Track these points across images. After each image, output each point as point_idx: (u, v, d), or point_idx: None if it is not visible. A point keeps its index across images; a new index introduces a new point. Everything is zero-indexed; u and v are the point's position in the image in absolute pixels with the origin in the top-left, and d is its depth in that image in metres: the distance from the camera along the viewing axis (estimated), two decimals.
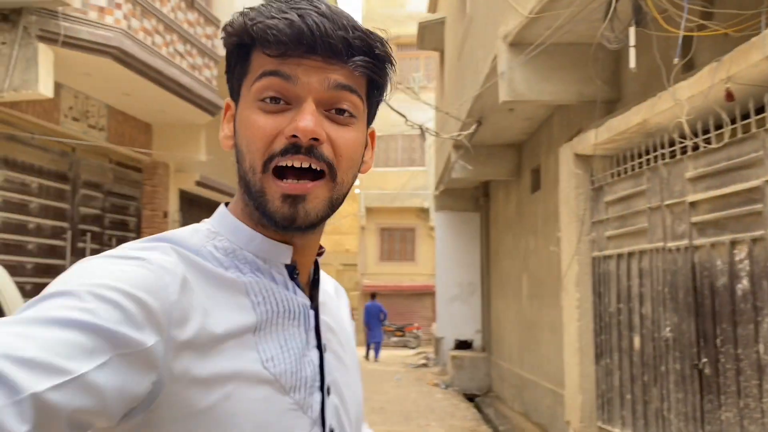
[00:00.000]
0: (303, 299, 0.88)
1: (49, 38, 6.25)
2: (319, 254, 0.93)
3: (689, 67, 4.27)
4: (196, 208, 10.77)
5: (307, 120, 0.78)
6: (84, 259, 0.77)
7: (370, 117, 0.91)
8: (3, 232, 6.73)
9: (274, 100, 0.80)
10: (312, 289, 0.93)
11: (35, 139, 7.11)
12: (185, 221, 10.07)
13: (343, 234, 26.55)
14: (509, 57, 6.04)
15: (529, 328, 9.21)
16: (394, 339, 22.08)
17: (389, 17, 24.08)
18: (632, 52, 4.53)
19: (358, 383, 1.00)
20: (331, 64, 0.80)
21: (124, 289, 0.70)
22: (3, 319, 0.66)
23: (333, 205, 0.84)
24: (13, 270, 6.66)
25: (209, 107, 8.56)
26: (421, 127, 7.48)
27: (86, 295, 0.68)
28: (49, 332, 0.64)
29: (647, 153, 4.92)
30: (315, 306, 0.91)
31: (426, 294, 23.15)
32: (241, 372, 0.78)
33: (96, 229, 8.13)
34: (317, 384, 0.86)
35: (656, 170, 4.76)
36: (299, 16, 0.78)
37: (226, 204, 0.89)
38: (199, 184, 9.87)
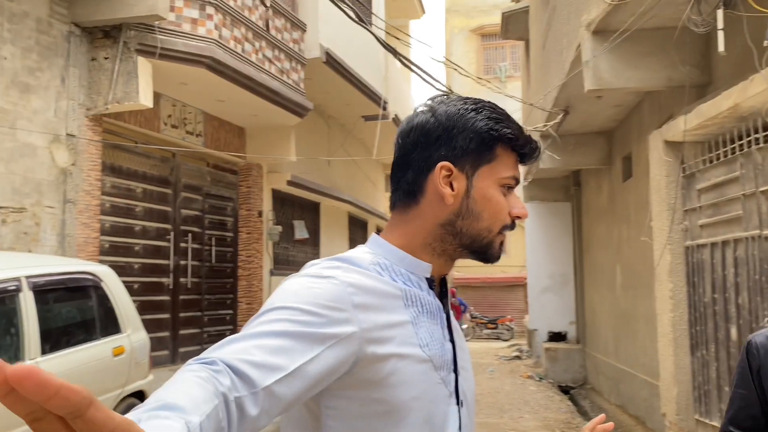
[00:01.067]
0: (439, 303, 1.18)
1: (147, 51, 6.65)
2: (445, 276, 1.26)
3: None
4: (288, 206, 11.15)
5: (525, 208, 1.19)
6: (290, 277, 1.08)
7: None
8: (111, 235, 7.22)
9: (509, 188, 1.18)
10: (442, 297, 1.23)
11: (138, 147, 7.58)
12: (278, 220, 10.45)
13: None
14: (593, 45, 5.95)
15: (623, 319, 9.02)
16: (487, 332, 21.98)
17: (474, 7, 23.87)
18: (721, 35, 4.39)
19: (471, 371, 1.30)
20: None
21: (322, 303, 1.00)
22: (240, 333, 0.95)
23: None
24: (122, 270, 7.15)
25: (298, 109, 8.84)
26: None
27: (296, 311, 0.98)
28: (272, 341, 0.93)
29: (740, 138, 4.75)
30: (446, 310, 1.21)
31: (518, 286, 22.89)
32: (407, 352, 1.07)
33: (196, 229, 8.57)
34: (452, 366, 1.16)
35: (750, 155, 4.59)
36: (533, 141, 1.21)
37: (378, 232, 1.20)
38: (290, 183, 10.20)
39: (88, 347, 4.53)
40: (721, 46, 4.36)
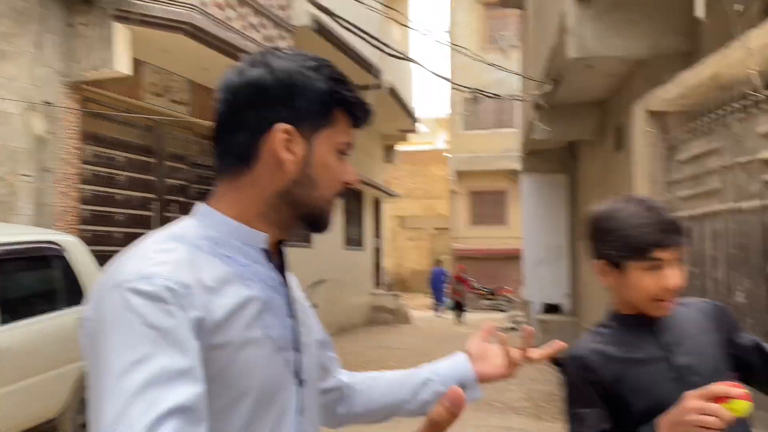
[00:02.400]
0: (278, 276, 1.11)
1: (125, 17, 6.52)
2: (282, 243, 1.16)
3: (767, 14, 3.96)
4: None
5: (355, 174, 1.16)
6: (108, 291, 0.95)
7: None
8: (93, 204, 7.17)
9: (342, 153, 1.12)
10: (281, 270, 1.15)
11: (121, 115, 7.48)
12: None
13: (434, 198, 26.50)
14: (577, 12, 5.79)
15: None
16: (486, 302, 22.01)
17: None
18: (700, 0, 4.24)
19: (313, 345, 1.21)
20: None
21: (157, 312, 0.92)
22: (123, 386, 0.88)
23: None
24: (103, 239, 7.11)
25: None
26: (475, 92, 7.28)
27: (141, 335, 0.93)
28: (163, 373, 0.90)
29: (721, 108, 4.61)
30: (286, 282, 1.14)
31: (517, 257, 22.77)
32: (249, 337, 1.01)
33: (182, 199, 8.51)
34: (293, 345, 1.09)
35: (729, 126, 4.46)
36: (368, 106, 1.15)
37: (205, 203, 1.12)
38: None
39: (50, 317, 4.49)
40: (700, 12, 4.23)
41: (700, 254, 4.96)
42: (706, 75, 4.47)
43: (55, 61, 6.55)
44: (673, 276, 1.51)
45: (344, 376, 1.43)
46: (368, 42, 6.27)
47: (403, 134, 18.03)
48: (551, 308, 13.23)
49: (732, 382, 1.32)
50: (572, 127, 9.84)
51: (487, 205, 24.79)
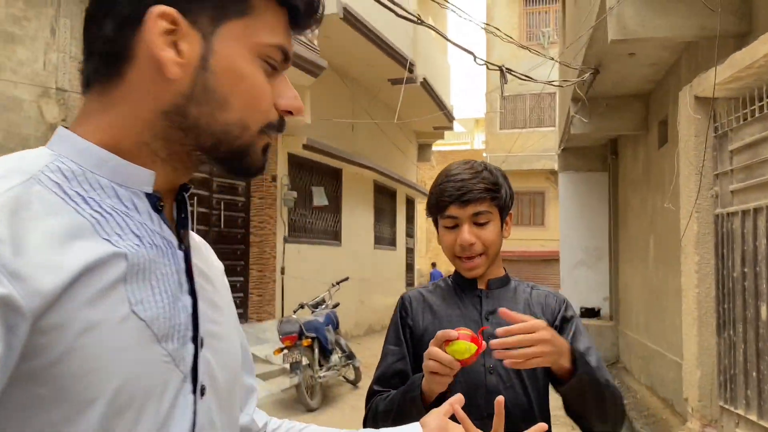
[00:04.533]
0: (170, 236, 0.78)
1: None
2: (185, 190, 0.84)
3: None
4: (306, 172, 10.79)
5: (298, 98, 0.81)
6: None
7: None
8: None
9: (273, 67, 0.79)
10: (179, 229, 0.82)
11: None
12: (295, 185, 10.10)
13: None
14: None
15: (655, 294, 8.45)
16: None
17: None
18: None
19: (236, 337, 0.91)
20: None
21: None
22: None
23: None
24: None
25: (311, 68, 8.42)
26: (501, 68, 6.88)
27: None
28: None
29: None
30: (185, 247, 0.81)
31: (556, 260, 22.25)
32: (103, 317, 0.67)
33: (203, 192, 8.29)
34: (190, 334, 0.77)
35: None
36: None
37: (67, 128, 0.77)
38: (306, 147, 9.83)
39: None
40: None
41: (752, 253, 4.49)
42: (762, 53, 4.02)
43: (71, 46, 6.35)
44: (464, 233, 1.55)
45: (260, 418, 1.02)
46: (399, 15, 5.91)
47: (438, 132, 17.66)
48: (589, 312, 12.73)
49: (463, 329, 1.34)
50: (613, 122, 9.35)
51: (525, 205, 24.24)
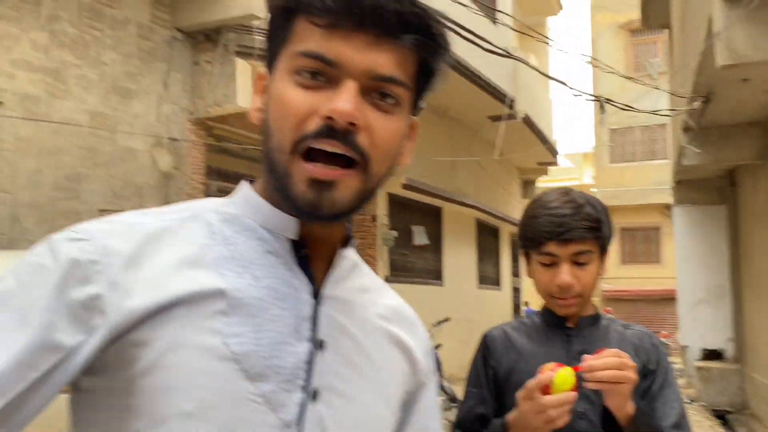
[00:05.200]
0: (303, 282, 0.79)
1: (246, 53, 6.61)
2: (347, 244, 0.85)
3: None
4: (406, 211, 10.83)
5: (345, 101, 0.72)
6: None
7: (417, 105, 0.83)
8: None
9: (314, 74, 0.74)
10: (328, 279, 0.83)
11: (246, 150, 7.57)
12: (395, 225, 10.14)
13: None
14: (726, 13, 5.11)
15: None
16: None
17: (622, 2, 22.52)
18: None
19: (380, 405, 0.84)
20: (381, 43, 0.74)
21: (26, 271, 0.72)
22: None
23: (363, 198, 0.77)
24: None
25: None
26: (599, 98, 6.64)
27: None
28: None
29: None
30: (316, 292, 0.81)
31: (674, 299, 21.10)
32: (192, 341, 0.70)
33: None
34: (300, 382, 0.75)
35: None
36: None
37: (251, 181, 0.85)
38: (406, 187, 9.87)
39: None
40: None
41: None
42: None
43: (182, 98, 6.73)
44: (563, 273, 1.44)
45: None
46: (511, 57, 5.89)
47: (542, 168, 17.32)
48: (712, 354, 11.91)
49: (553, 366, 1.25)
50: (729, 151, 8.85)
51: (639, 242, 23.20)
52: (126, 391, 0.70)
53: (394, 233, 9.73)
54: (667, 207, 21.54)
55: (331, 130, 0.72)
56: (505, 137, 11.31)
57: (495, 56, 10.94)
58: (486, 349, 1.57)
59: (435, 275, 11.93)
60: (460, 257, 12.90)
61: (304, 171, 0.73)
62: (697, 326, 12.35)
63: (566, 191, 1.51)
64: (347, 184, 0.75)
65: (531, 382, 1.24)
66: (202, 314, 0.72)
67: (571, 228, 1.43)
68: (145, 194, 6.34)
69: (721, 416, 10.30)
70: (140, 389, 0.69)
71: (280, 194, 0.77)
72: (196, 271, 0.73)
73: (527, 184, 17.66)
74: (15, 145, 5.34)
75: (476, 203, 12.69)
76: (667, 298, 21.86)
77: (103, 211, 5.95)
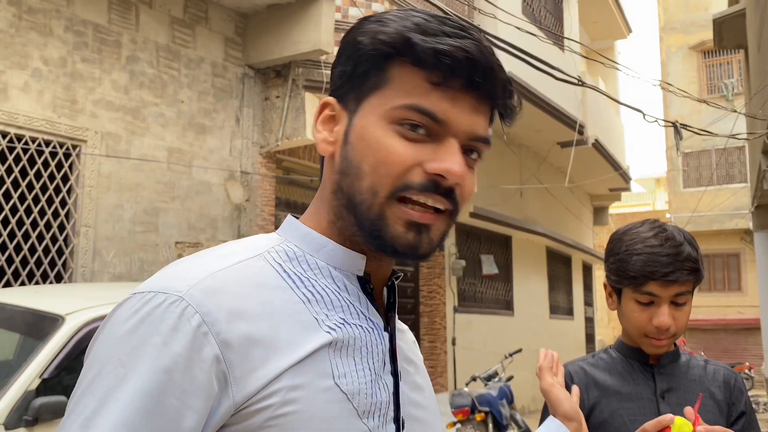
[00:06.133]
0: (377, 317, 0.82)
1: (314, 87, 6.74)
2: (396, 277, 0.87)
3: None
4: (474, 240, 10.74)
5: (457, 164, 0.76)
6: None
7: None
8: None
9: (415, 127, 0.76)
10: (387, 312, 0.86)
11: (313, 182, 7.68)
12: (463, 254, 10.06)
13: None
14: None
15: None
16: None
17: (692, 23, 22.02)
18: None
19: (439, 424, 0.91)
20: (481, 106, 0.78)
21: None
22: None
23: (445, 238, 0.82)
24: None
25: None
26: (674, 124, 6.42)
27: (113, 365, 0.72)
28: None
29: None
30: (390, 329, 0.84)
31: (758, 328, 20.14)
32: (307, 386, 0.71)
33: None
34: (391, 414, 0.79)
35: None
36: (475, 43, 0.75)
37: (296, 217, 0.87)
38: (473, 215, 9.79)
39: None
40: None
41: None
42: None
43: (253, 133, 6.90)
44: (663, 315, 1.41)
45: None
46: (584, 85, 5.84)
47: (615, 194, 16.92)
48: None
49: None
50: None
51: (717, 269, 22.30)
52: None
53: (463, 262, 9.66)
54: (747, 232, 20.67)
55: (436, 186, 0.76)
56: (575, 163, 11.13)
57: (562, 82, 10.83)
58: (565, 385, 1.53)
59: (505, 305, 11.76)
60: (530, 286, 12.68)
61: (404, 214, 0.76)
62: None
63: (661, 226, 1.48)
64: (438, 227, 0.79)
65: (652, 422, 1.21)
66: (312, 359, 0.73)
67: (676, 270, 1.40)
68: (219, 226, 6.49)
69: None
70: None
71: (365, 234, 0.78)
72: (302, 327, 0.74)
73: (599, 211, 17.27)
74: (97, 181, 5.57)
75: (546, 231, 12.48)
76: (750, 328, 20.88)
77: (179, 243, 6.13)
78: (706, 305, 21.93)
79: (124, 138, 5.82)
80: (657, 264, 1.40)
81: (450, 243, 9.75)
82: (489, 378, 7.69)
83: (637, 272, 1.42)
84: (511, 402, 7.65)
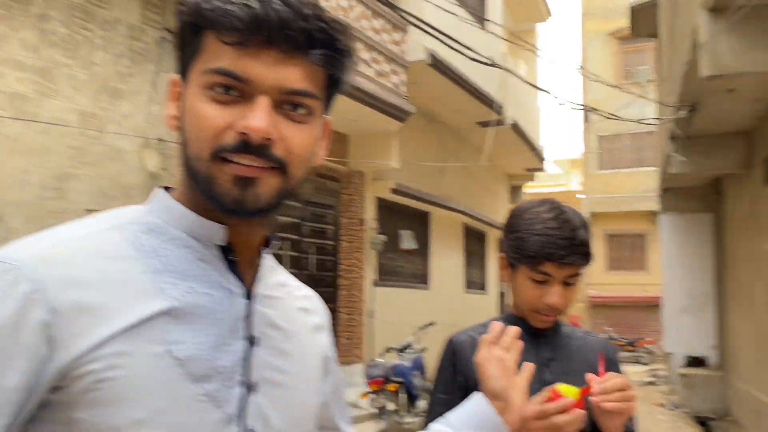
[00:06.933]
0: (234, 285, 0.84)
1: None
2: (268, 245, 0.89)
3: None
4: (394, 216, 10.86)
5: (259, 119, 0.76)
6: None
7: (327, 108, 0.88)
8: None
9: (226, 89, 0.78)
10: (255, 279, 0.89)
11: None
12: (383, 229, 10.18)
13: None
14: (710, 25, 5.18)
15: (766, 342, 7.88)
16: (625, 354, 20.53)
17: (612, 9, 22.68)
18: None
19: (311, 391, 0.93)
20: (291, 58, 0.78)
21: None
22: None
23: (283, 196, 0.82)
24: None
25: (398, 113, 8.55)
26: (584, 107, 6.70)
27: None
28: None
29: None
30: (253, 296, 0.86)
31: (659, 306, 21.28)
32: (136, 352, 0.74)
33: (295, 237, 8.48)
34: (239, 378, 0.81)
35: None
36: (259, 1, 0.76)
37: (166, 188, 0.88)
38: (394, 191, 9.90)
39: None
40: None
41: None
42: None
43: None
44: (555, 294, 1.48)
45: None
46: (495, 66, 5.97)
47: (530, 174, 17.41)
48: (695, 361, 12.00)
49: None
50: (714, 160, 8.92)
51: (625, 249, 23.34)
52: (69, 405, 0.71)
53: (383, 237, 9.77)
54: (654, 214, 21.69)
55: (246, 145, 0.77)
56: (493, 143, 11.37)
57: (475, 61, 11.01)
58: (454, 355, 1.58)
59: (422, 279, 11.98)
60: (447, 261, 12.94)
61: (229, 169, 0.77)
62: (682, 333, 12.44)
63: (559, 208, 1.54)
64: (268, 182, 0.79)
65: (550, 406, 1.25)
66: (147, 330, 0.75)
67: (572, 253, 1.47)
68: (133, 194, 6.33)
69: (703, 423, 10.37)
70: (86, 403, 0.71)
71: (204, 198, 0.80)
72: (138, 295, 0.76)
73: (515, 190, 17.74)
74: (2, 144, 5.33)
75: (464, 208, 12.74)
76: (652, 305, 22.02)
77: (90, 211, 5.94)
78: (614, 283, 22.96)
79: (33, 100, 5.57)
80: (554, 246, 1.46)
81: (370, 218, 9.83)
82: (403, 350, 7.85)
83: (535, 252, 1.47)
84: (424, 373, 7.85)
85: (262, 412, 0.83)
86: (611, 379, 1.31)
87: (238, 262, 0.85)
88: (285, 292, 0.95)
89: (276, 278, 0.94)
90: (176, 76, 0.84)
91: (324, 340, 1.01)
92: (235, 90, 0.77)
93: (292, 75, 0.78)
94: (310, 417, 0.93)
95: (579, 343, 1.61)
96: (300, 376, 0.91)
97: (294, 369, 0.90)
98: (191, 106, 0.79)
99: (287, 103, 0.79)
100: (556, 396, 1.26)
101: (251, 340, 0.83)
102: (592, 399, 1.30)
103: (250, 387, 0.82)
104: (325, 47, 0.79)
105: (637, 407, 1.33)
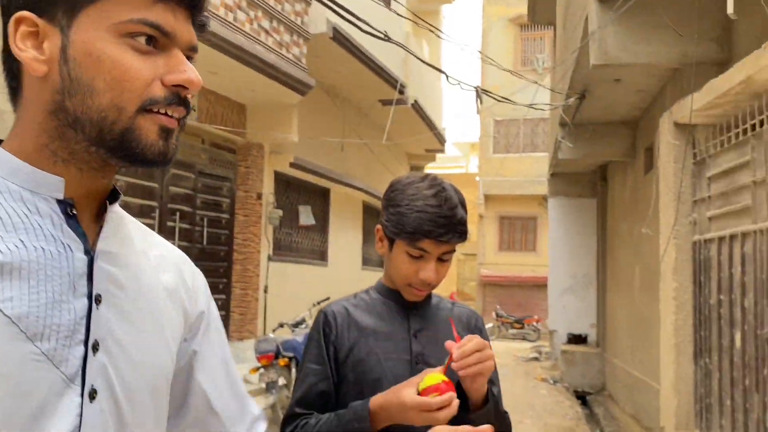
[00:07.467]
0: (73, 241, 0.80)
1: None
2: (114, 199, 0.87)
3: None
4: (293, 191, 10.75)
5: (195, 73, 0.80)
6: None
7: None
8: None
9: (149, 40, 0.78)
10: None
11: None
12: (281, 204, 10.06)
13: None
14: (600, 15, 5.39)
15: (640, 322, 8.41)
16: (513, 331, 21.39)
17: None
18: None
19: (162, 351, 0.90)
20: (189, 17, 0.83)
21: None
22: None
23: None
24: None
25: (298, 86, 8.42)
26: (476, 88, 6.90)
27: None
28: None
29: (752, 117, 4.14)
30: (96, 252, 0.83)
31: (546, 286, 22.23)
32: None
33: (186, 208, 8.23)
34: (80, 337, 0.79)
35: (761, 137, 3.98)
36: None
37: None
38: (293, 165, 9.80)
39: None
40: (730, 8, 3.77)
41: (728, 280, 4.45)
42: (737, 80, 4.01)
43: None
44: (430, 270, 1.52)
45: None
46: (390, 41, 5.96)
47: (431, 154, 17.67)
48: (576, 339, 12.66)
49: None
50: (600, 147, 9.37)
51: (517, 230, 24.20)
52: None
53: (280, 212, 9.65)
54: (545, 198, 22.58)
55: (178, 97, 0.80)
56: (394, 122, 11.43)
57: (368, 35, 11.02)
58: (326, 325, 1.58)
59: (320, 256, 11.96)
60: (345, 238, 12.98)
61: (157, 120, 0.79)
62: (565, 312, 13.08)
63: (440, 185, 1.55)
64: (177, 133, 0.83)
65: (432, 403, 1.30)
66: None
67: (450, 231, 1.50)
68: None
69: (581, 397, 10.98)
70: None
71: (107, 149, 0.79)
72: None
73: (415, 170, 17.97)
74: None
75: (364, 186, 12.79)
76: (541, 285, 22.96)
77: None
78: (505, 263, 23.78)
79: None
80: (433, 224, 1.48)
81: (268, 192, 9.68)
82: (296, 325, 7.82)
83: (414, 229, 1.49)
84: None
85: (105, 372, 0.80)
86: (467, 343, 1.36)
87: (79, 216, 0.82)
88: (137, 250, 0.92)
89: (128, 234, 0.91)
90: (27, 14, 0.78)
91: (183, 298, 0.97)
92: (156, 42, 0.79)
93: (193, 32, 0.84)
94: (161, 377, 0.90)
95: (446, 314, 1.66)
96: (149, 335, 0.88)
97: (142, 328, 0.87)
98: (105, 54, 0.77)
99: (188, 58, 0.83)
100: (435, 389, 1.31)
101: (95, 299, 0.81)
102: (454, 366, 1.35)
103: (93, 346, 0.79)
104: (203, 9, 0.86)
105: (494, 364, 1.40)
